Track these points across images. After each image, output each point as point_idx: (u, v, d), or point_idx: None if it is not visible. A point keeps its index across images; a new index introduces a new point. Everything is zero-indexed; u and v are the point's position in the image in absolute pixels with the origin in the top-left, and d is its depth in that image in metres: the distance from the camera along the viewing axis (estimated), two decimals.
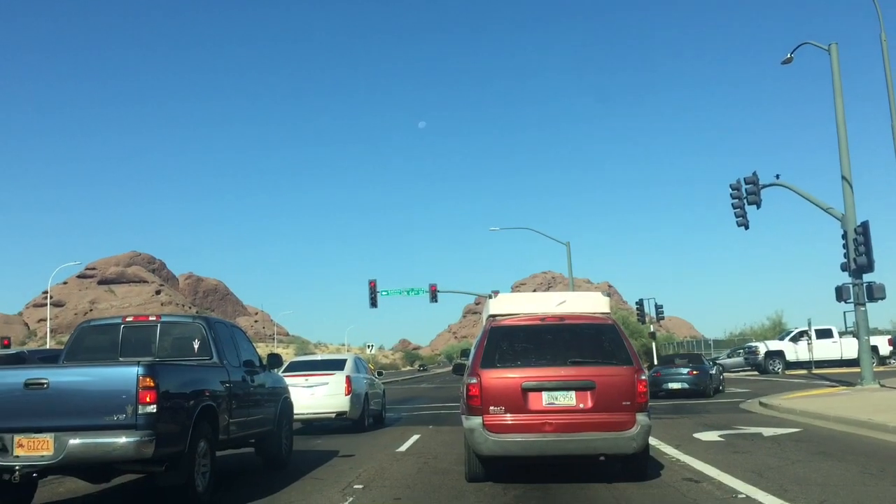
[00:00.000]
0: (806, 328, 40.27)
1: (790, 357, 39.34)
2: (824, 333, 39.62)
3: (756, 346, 41.28)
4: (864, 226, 22.83)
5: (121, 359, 8.71)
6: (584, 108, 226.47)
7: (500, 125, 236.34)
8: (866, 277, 23.40)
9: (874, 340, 38.67)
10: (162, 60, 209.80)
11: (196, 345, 9.13)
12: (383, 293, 50.69)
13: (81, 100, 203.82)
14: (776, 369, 38.88)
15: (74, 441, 6.92)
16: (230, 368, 9.23)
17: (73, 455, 6.94)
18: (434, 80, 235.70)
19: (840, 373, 35.02)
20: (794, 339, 39.92)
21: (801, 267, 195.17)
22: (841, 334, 39.93)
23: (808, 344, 39.04)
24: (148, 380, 7.06)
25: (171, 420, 7.37)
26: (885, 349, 39.14)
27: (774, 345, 40.64)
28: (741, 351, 45.18)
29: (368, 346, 71.53)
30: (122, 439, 6.94)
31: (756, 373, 40.12)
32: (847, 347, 38.62)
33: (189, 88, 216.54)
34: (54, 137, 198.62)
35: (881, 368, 36.45)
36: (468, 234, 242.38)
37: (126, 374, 7.11)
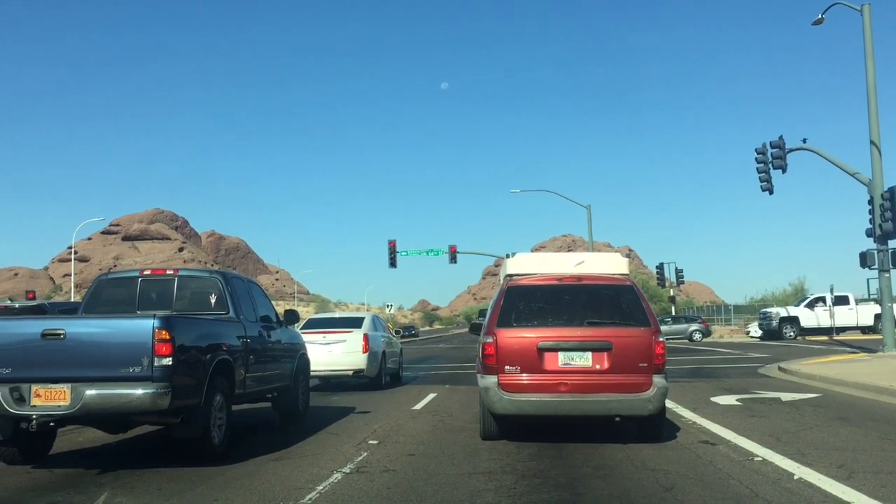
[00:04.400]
0: (822, 295, 40.11)
1: (805, 323, 39.24)
2: (841, 300, 39.41)
3: (770, 312, 41.13)
4: (892, 191, 22.43)
5: (138, 312, 8.74)
6: (607, 75, 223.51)
7: (523, 89, 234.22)
8: (892, 244, 23.08)
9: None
10: (189, 19, 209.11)
11: (213, 299, 9.13)
12: (402, 253, 50.75)
13: (108, 56, 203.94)
14: (790, 335, 38.82)
15: (91, 392, 6.97)
16: (247, 323, 9.25)
17: (89, 406, 6.99)
18: (458, 42, 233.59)
19: (861, 339, 34.79)
20: (810, 306, 39.78)
21: (825, 233, 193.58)
22: (857, 301, 39.83)
23: (826, 310, 38.87)
24: (164, 332, 7.07)
25: (186, 373, 7.39)
26: None
27: (790, 310, 40.56)
28: (668, 319, 45.66)
29: (388, 306, 71.98)
30: (139, 391, 6.98)
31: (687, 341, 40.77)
32: (863, 314, 38.73)
33: (214, 48, 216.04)
34: (81, 95, 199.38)
35: None
36: (489, 196, 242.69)
37: (142, 326, 7.13)
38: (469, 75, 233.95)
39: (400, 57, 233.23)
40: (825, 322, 38.95)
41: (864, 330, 38.44)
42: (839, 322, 38.84)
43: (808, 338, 39.07)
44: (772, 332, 39.71)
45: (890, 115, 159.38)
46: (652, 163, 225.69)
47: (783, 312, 40.50)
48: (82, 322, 7.64)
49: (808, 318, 39.36)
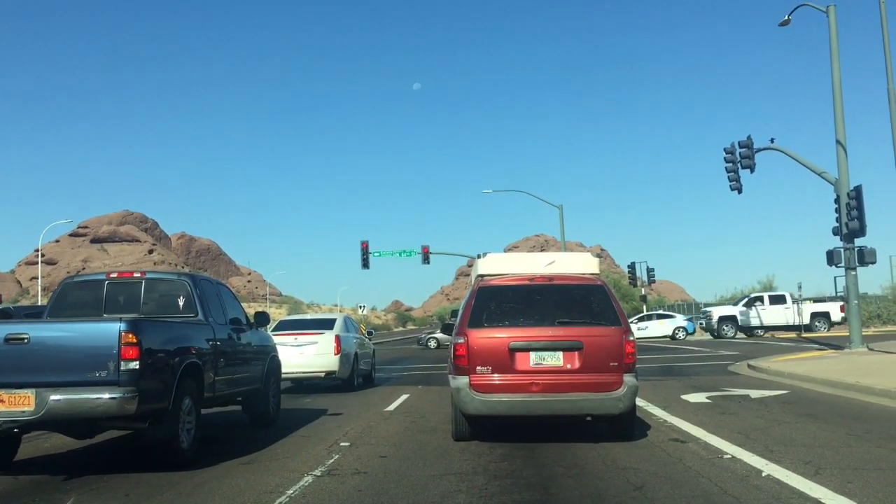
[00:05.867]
0: (760, 294, 41.56)
1: (743, 322, 40.28)
2: (778, 300, 40.62)
3: (710, 311, 42.19)
4: (858, 190, 22.75)
5: (105, 315, 8.62)
6: (576, 75, 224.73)
7: (493, 90, 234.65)
8: (858, 242, 23.38)
9: (826, 307, 40.37)
10: (156, 21, 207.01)
11: (181, 302, 9.04)
12: (375, 254, 50.56)
13: (75, 58, 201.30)
14: (728, 334, 39.70)
15: (56, 397, 6.86)
16: (216, 326, 9.16)
17: (55, 411, 6.88)
18: (430, 43, 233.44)
19: (829, 336, 35.33)
20: (748, 305, 40.82)
21: (793, 231, 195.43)
22: (794, 301, 41.04)
23: (764, 309, 40.14)
24: (130, 336, 6.98)
25: (154, 377, 7.30)
26: (836, 315, 39.92)
27: (727, 310, 41.68)
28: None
29: (360, 307, 71.73)
30: (105, 396, 6.88)
31: None
32: (798, 313, 39.83)
33: (182, 49, 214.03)
34: (48, 96, 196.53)
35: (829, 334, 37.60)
36: (462, 197, 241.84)
37: (108, 329, 7.03)
38: (441, 76, 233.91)
39: (372, 57, 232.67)
40: (762, 320, 40.17)
41: (801, 328, 39.62)
42: (777, 321, 40.05)
43: (776, 335, 39.66)
44: (711, 331, 40.57)
45: (855, 116, 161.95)
46: (623, 163, 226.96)
47: (721, 311, 41.50)
48: (47, 326, 7.53)
49: (745, 316, 40.40)
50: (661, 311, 51.20)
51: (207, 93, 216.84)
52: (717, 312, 41.33)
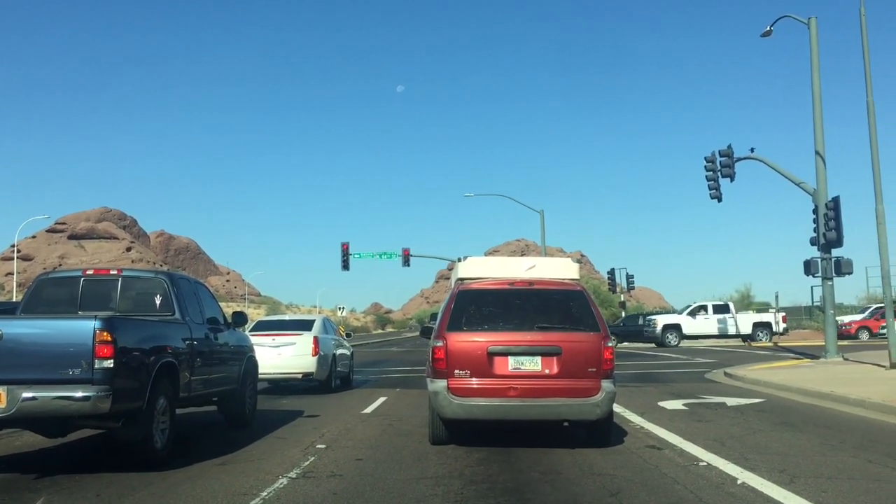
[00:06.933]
0: (705, 303, 41.95)
1: (687, 331, 40.75)
2: (722, 309, 41.30)
3: (654, 319, 42.63)
4: (836, 201, 22.96)
5: (80, 312, 8.52)
6: (557, 82, 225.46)
7: (477, 93, 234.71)
8: (835, 252, 23.59)
9: (767, 317, 41.69)
10: (137, 18, 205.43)
11: (158, 300, 8.96)
12: (356, 256, 50.49)
13: (53, 54, 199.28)
14: (672, 342, 40.20)
15: (27, 394, 6.77)
16: (192, 325, 9.08)
17: (26, 409, 6.78)
18: (414, 45, 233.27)
19: (805, 345, 35.60)
20: (692, 314, 41.38)
21: (772, 240, 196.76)
22: (737, 310, 42.23)
23: (708, 318, 40.74)
24: (105, 334, 6.90)
25: (128, 375, 7.22)
26: (778, 326, 41.03)
27: (671, 318, 42.19)
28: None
29: (340, 309, 71.49)
30: (78, 394, 6.80)
31: None
32: (742, 323, 40.72)
33: (164, 47, 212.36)
34: (26, 91, 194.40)
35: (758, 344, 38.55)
36: (443, 200, 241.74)
37: (83, 327, 6.94)
38: (425, 78, 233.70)
39: (356, 59, 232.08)
40: (706, 330, 40.73)
41: (744, 338, 40.46)
42: (720, 330, 40.69)
43: (752, 343, 39.99)
44: (655, 339, 41.00)
45: (835, 126, 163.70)
46: (605, 169, 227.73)
47: (666, 320, 42.01)
48: (20, 323, 7.42)
49: (689, 325, 40.90)
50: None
51: (189, 91, 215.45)
52: (661, 321, 41.86)
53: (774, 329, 40.52)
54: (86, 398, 6.79)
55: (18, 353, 6.90)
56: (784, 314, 43.57)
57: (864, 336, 41.65)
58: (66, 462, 8.30)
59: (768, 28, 25.69)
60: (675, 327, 40.73)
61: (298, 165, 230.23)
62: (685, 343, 40.49)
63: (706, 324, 40.58)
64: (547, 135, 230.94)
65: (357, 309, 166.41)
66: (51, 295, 9.12)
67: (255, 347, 12.03)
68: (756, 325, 40.67)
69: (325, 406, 13.58)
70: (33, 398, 6.77)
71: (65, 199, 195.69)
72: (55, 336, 6.99)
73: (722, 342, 41.10)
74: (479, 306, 8.91)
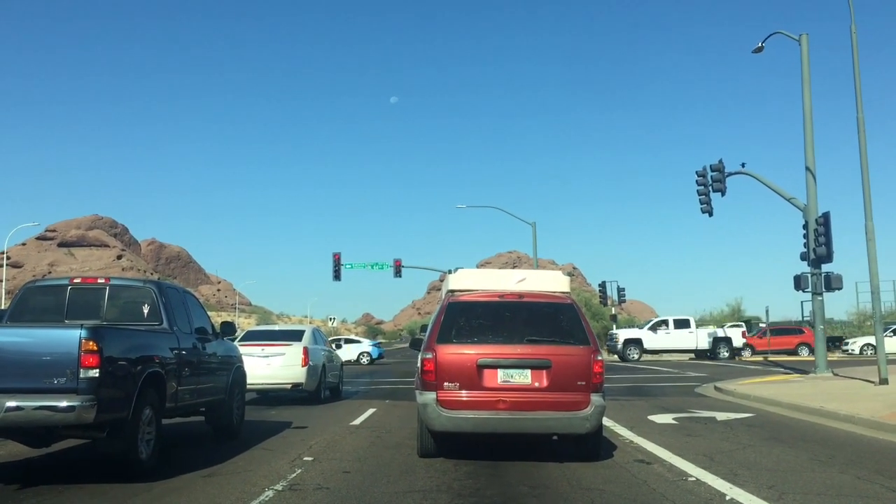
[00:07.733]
0: (665, 318, 42.59)
1: (648, 345, 41.19)
2: (682, 324, 41.74)
3: (616, 334, 43.11)
4: (826, 216, 23.06)
5: (66, 321, 8.45)
6: (553, 96, 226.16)
7: (470, 106, 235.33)
8: (825, 268, 23.68)
9: (728, 332, 42.37)
10: (128, 27, 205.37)
11: (146, 309, 8.90)
12: (347, 266, 50.45)
13: (45, 63, 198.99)
14: (633, 356, 40.50)
15: (11, 404, 6.68)
16: (180, 335, 9.02)
17: (10, 418, 6.70)
18: (408, 58, 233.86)
19: (795, 360, 35.73)
20: (653, 329, 41.89)
21: (762, 255, 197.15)
22: (697, 325, 43.03)
23: (668, 333, 41.30)
24: (91, 343, 6.83)
25: (114, 385, 7.14)
26: (738, 341, 41.51)
27: (633, 333, 42.73)
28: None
29: (331, 319, 71.29)
30: (63, 403, 6.71)
31: None
32: (701, 338, 41.32)
33: (156, 57, 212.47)
34: (16, 97, 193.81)
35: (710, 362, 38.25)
36: (435, 211, 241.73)
37: (68, 336, 6.87)
38: (418, 91, 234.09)
39: (349, 71, 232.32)
40: (667, 344, 41.22)
41: (704, 353, 40.85)
42: (680, 345, 41.17)
43: (742, 358, 40.10)
44: (617, 353, 41.29)
45: (825, 142, 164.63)
46: (597, 183, 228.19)
47: (628, 334, 42.44)
48: (5, 331, 7.35)
49: (650, 340, 41.34)
50: (349, 337, 52.16)
51: (181, 101, 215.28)
52: (623, 335, 42.33)
53: (735, 344, 41.06)
54: (70, 408, 6.71)
55: (3, 361, 6.82)
56: (743, 329, 44.09)
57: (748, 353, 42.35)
58: (49, 473, 8.20)
59: (760, 44, 25.84)
60: (636, 342, 41.25)
61: (291, 175, 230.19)
62: (646, 357, 41.06)
63: (667, 338, 41.16)
64: (540, 147, 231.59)
65: (348, 319, 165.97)
66: (38, 303, 9.04)
67: (245, 357, 11.96)
68: (717, 341, 41.22)
69: (314, 417, 13.50)
70: (17, 408, 6.70)
71: (55, 206, 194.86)
72: (40, 345, 6.91)
73: (679, 356, 41.54)
74: (469, 318, 8.88)
